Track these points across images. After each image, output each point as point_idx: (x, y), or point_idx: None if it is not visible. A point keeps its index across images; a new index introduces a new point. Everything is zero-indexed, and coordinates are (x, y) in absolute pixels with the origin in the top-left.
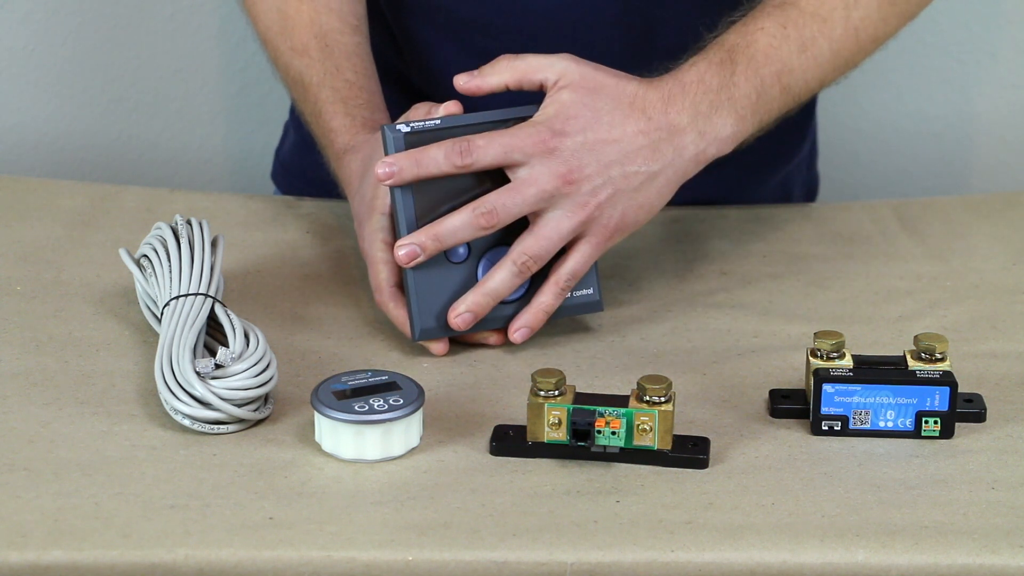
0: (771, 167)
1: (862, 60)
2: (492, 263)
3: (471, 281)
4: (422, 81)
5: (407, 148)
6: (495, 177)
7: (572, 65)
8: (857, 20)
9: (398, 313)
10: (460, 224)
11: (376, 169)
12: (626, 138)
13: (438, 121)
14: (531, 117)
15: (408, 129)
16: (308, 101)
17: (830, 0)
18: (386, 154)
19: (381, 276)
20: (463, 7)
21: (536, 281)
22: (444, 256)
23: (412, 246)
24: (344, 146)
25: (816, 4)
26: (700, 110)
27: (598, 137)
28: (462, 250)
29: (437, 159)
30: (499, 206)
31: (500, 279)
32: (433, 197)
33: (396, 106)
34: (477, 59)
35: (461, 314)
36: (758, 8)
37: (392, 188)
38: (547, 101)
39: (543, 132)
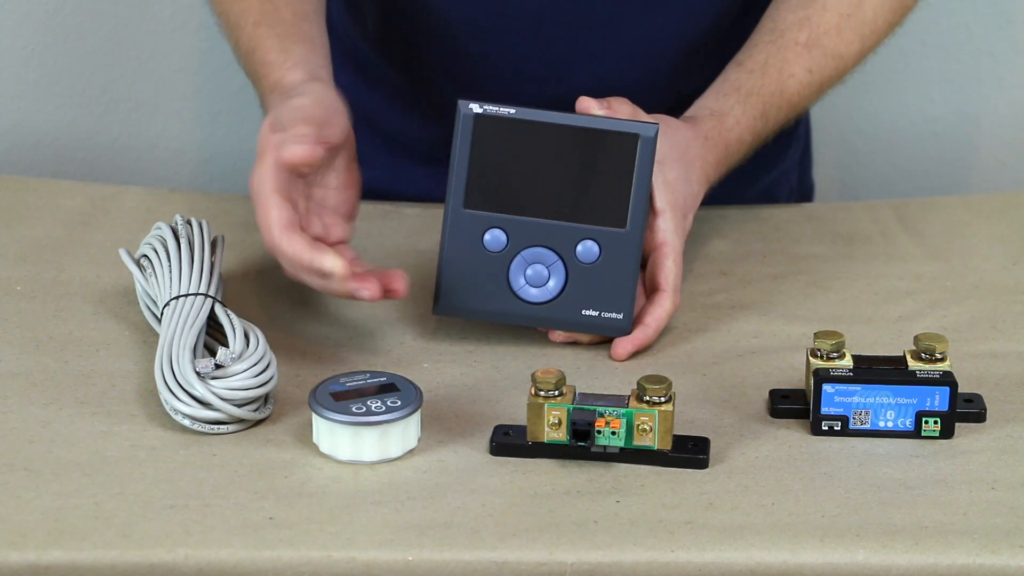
0: (752, 176)
1: None
2: (527, 262)
3: (500, 273)
4: (405, 83)
5: (475, 131)
6: (565, 166)
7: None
8: (868, 51)
9: (292, 248)
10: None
11: None
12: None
13: (513, 111)
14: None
15: (481, 111)
16: (243, 40)
17: (848, 35)
18: (454, 133)
19: (272, 215)
20: (452, 9)
21: (572, 284)
22: (481, 243)
23: None
24: (276, 81)
25: (836, 41)
26: (731, 164)
27: (689, 197)
28: (504, 237)
29: None
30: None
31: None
32: (489, 176)
33: (388, 111)
34: (464, 61)
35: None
36: (788, 43)
37: (454, 160)
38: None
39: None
